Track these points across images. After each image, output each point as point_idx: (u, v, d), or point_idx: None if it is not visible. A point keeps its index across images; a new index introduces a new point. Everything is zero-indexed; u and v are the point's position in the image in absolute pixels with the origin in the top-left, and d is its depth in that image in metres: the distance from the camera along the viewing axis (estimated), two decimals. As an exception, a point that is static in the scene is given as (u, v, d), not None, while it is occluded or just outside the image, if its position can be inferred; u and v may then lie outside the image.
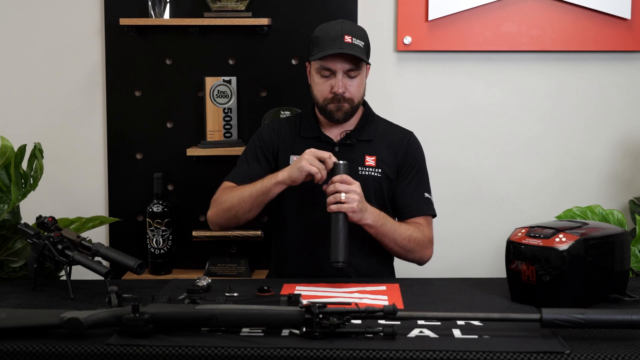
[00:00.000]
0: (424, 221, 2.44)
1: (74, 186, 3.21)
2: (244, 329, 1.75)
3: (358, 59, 2.38)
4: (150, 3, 3.01)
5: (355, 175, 2.37)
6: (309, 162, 2.22)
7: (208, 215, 2.47)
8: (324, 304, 1.70)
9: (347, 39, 2.37)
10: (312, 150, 2.26)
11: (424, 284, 2.23)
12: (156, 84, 3.14)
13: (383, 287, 2.17)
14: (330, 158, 2.22)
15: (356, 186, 2.20)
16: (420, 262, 2.44)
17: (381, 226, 2.28)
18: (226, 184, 2.48)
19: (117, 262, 2.12)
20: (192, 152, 3.04)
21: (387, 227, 2.30)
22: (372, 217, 2.25)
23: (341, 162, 2.22)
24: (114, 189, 3.18)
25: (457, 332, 1.74)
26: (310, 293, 2.10)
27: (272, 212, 2.58)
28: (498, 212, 3.17)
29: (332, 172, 2.22)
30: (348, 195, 2.17)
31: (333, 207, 2.18)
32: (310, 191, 2.39)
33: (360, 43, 2.40)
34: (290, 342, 1.67)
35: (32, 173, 2.59)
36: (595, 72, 3.14)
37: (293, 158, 2.46)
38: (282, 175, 2.28)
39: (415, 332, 1.74)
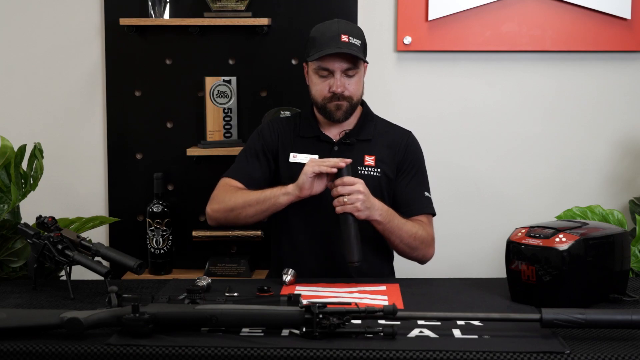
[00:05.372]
0: (426, 219, 2.45)
1: (74, 186, 3.21)
2: (244, 329, 1.75)
3: (356, 58, 2.38)
4: (150, 3, 3.01)
5: (355, 175, 2.37)
6: (313, 164, 2.23)
7: (207, 210, 2.44)
8: (324, 304, 1.70)
9: (344, 38, 2.37)
10: (315, 159, 2.27)
11: (424, 284, 2.24)
12: (156, 84, 3.14)
13: (383, 287, 2.17)
14: (337, 164, 2.22)
15: (359, 185, 2.20)
16: (423, 261, 2.45)
17: (389, 222, 2.29)
18: (225, 180, 2.46)
19: (117, 262, 2.12)
20: (192, 152, 3.04)
21: (394, 223, 2.31)
22: (381, 212, 2.26)
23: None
24: (114, 189, 3.18)
25: (457, 332, 1.74)
26: (310, 293, 2.10)
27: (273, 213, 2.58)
28: (498, 212, 3.17)
29: (335, 174, 2.22)
30: (351, 196, 2.19)
31: (339, 209, 2.20)
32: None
33: (357, 42, 2.40)
34: (290, 342, 1.67)
35: (32, 173, 2.59)
36: (595, 72, 3.14)
37: (293, 156, 2.46)
38: (291, 185, 2.29)
39: (415, 332, 1.74)
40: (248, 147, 2.54)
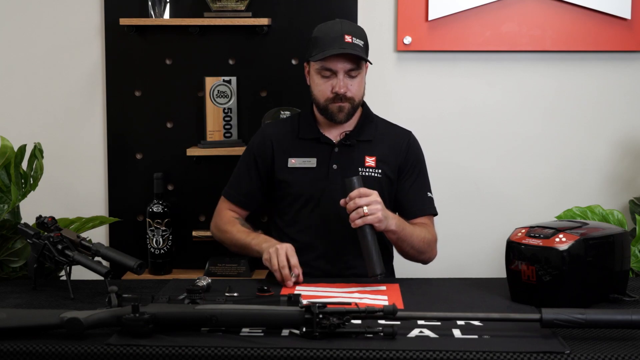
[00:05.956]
0: (429, 220, 2.46)
1: (74, 186, 3.21)
2: (244, 329, 1.75)
3: (359, 59, 2.38)
4: (150, 3, 3.01)
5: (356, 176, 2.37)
6: (276, 256, 2.19)
7: (210, 226, 2.57)
8: (324, 304, 1.70)
9: (348, 38, 2.37)
10: (291, 249, 2.22)
11: (424, 284, 2.24)
12: (156, 84, 3.14)
13: (383, 287, 2.17)
14: (296, 272, 2.18)
15: (375, 195, 2.19)
16: (427, 262, 2.45)
17: (402, 231, 2.28)
18: (223, 202, 2.55)
19: (117, 262, 2.12)
20: (192, 152, 3.04)
21: (407, 231, 2.31)
22: (395, 222, 2.25)
23: (354, 177, 2.21)
24: (114, 189, 3.18)
25: (457, 332, 1.74)
26: (310, 293, 2.10)
27: (273, 213, 2.57)
28: (498, 212, 3.17)
29: (347, 188, 2.20)
30: (370, 207, 2.16)
31: (358, 222, 2.16)
32: (316, 193, 2.42)
33: (360, 42, 2.40)
34: (290, 342, 1.67)
35: (32, 173, 2.59)
36: (595, 72, 3.14)
37: (291, 161, 2.46)
38: (264, 249, 2.26)
39: (415, 332, 1.74)
40: (241, 162, 2.57)
